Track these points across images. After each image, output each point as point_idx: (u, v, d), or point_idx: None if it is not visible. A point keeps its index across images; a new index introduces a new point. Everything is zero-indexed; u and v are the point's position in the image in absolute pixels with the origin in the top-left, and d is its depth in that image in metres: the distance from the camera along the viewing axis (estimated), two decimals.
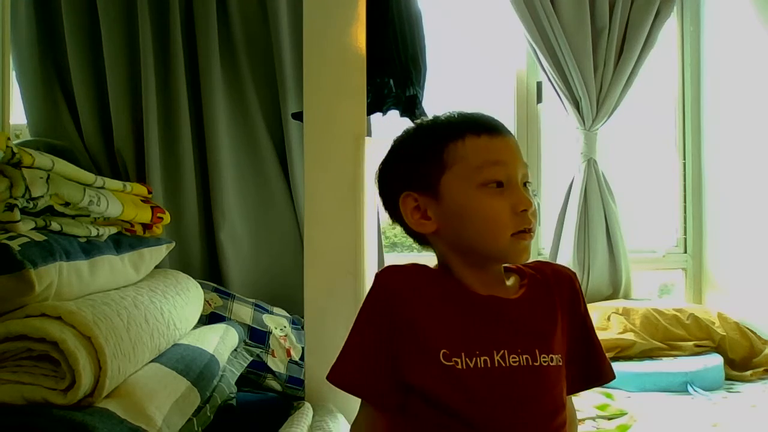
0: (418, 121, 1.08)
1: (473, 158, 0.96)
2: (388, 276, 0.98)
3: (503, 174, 0.95)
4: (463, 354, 0.92)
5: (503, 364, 0.92)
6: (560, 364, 0.97)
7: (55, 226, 1.25)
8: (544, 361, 0.94)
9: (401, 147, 1.05)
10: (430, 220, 0.98)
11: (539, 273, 1.03)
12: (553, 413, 0.94)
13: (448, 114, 1.03)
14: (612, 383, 2.25)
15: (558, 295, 1.01)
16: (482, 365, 0.92)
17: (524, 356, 0.93)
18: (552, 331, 0.98)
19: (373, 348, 0.94)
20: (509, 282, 1.01)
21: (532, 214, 0.95)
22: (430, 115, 1.06)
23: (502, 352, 0.93)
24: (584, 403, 2.05)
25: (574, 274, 1.07)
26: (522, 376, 0.92)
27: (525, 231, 0.95)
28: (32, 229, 1.17)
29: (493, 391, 0.91)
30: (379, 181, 1.06)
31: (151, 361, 1.36)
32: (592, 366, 1.06)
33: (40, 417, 1.00)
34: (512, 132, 1.02)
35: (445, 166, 0.97)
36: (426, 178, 0.98)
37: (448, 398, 0.91)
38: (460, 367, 0.91)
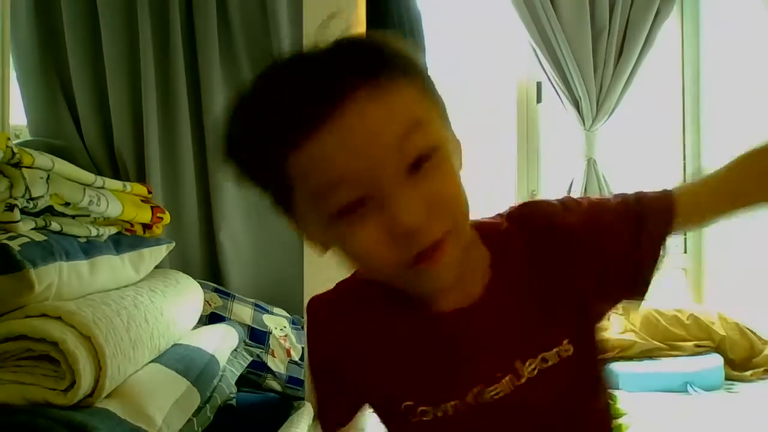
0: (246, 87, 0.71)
1: (308, 179, 0.63)
2: (316, 316, 0.76)
3: (357, 188, 0.61)
4: (429, 402, 0.70)
5: (482, 401, 0.70)
6: (567, 353, 0.71)
7: (55, 226, 1.25)
8: (534, 370, 0.70)
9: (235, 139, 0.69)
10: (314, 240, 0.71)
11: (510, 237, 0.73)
12: (575, 415, 0.73)
13: (266, 86, 0.68)
14: (612, 383, 2.25)
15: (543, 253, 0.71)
16: (455, 410, 0.70)
17: (505, 379, 0.70)
18: (541, 316, 0.71)
19: (331, 408, 0.79)
20: (472, 268, 0.70)
21: (426, 226, 0.61)
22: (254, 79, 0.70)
23: (476, 389, 0.70)
24: None
25: (547, 207, 0.74)
26: (511, 407, 0.70)
27: (420, 257, 0.62)
28: (32, 229, 1.17)
29: None
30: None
31: (151, 361, 1.36)
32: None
33: (41, 417, 1.00)
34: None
35: (286, 186, 0.65)
36: (276, 198, 0.68)
37: None
38: (428, 419, 0.71)
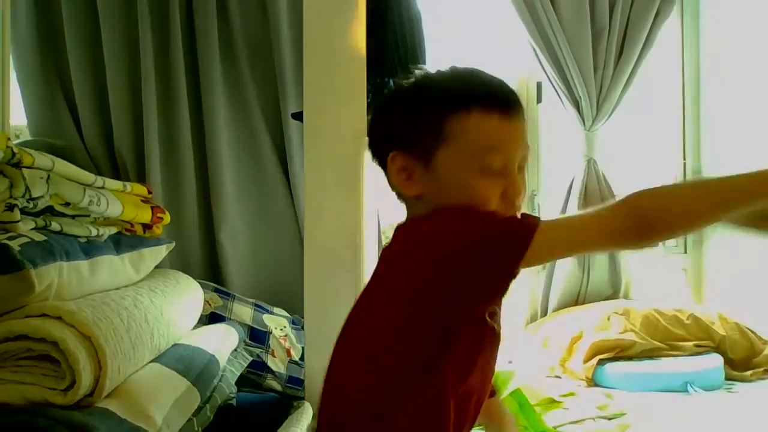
0: (423, 72, 0.99)
1: (476, 139, 0.90)
2: None
3: (504, 159, 0.91)
4: (495, 314, 0.93)
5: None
6: None
7: (55, 226, 1.25)
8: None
9: (400, 102, 0.98)
10: (415, 183, 0.94)
11: None
12: None
13: (456, 72, 0.96)
14: (612, 383, 2.26)
15: None
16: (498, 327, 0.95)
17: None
18: None
19: None
20: None
21: (520, 200, 0.93)
22: (435, 69, 0.98)
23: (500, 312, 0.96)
24: (584, 403, 2.05)
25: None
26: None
27: (509, 206, 0.92)
28: (32, 229, 1.17)
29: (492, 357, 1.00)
30: (371, 128, 1.01)
31: (151, 361, 1.36)
32: None
33: (41, 417, 1.00)
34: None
35: (443, 139, 0.91)
36: (420, 145, 0.92)
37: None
38: (492, 325, 0.93)
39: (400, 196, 0.98)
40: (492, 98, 0.92)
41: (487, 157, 0.90)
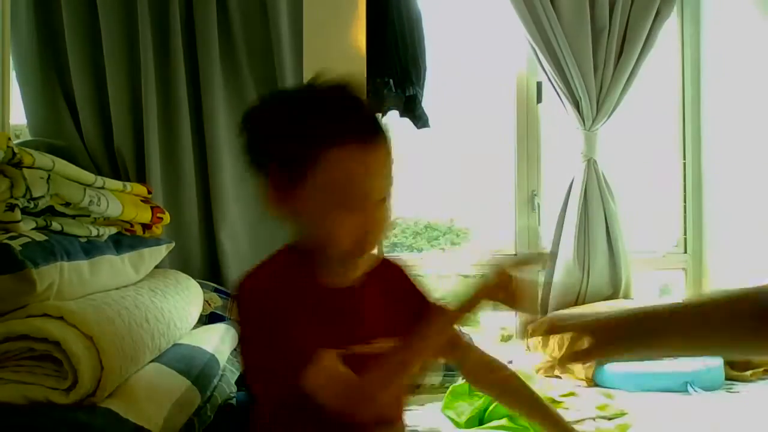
0: (298, 92, 1.12)
1: (338, 173, 0.96)
2: (262, 286, 1.02)
3: (362, 193, 0.97)
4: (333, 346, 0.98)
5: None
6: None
7: (55, 226, 1.25)
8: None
9: (282, 119, 1.02)
10: (284, 203, 1.01)
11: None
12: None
13: (321, 97, 1.01)
14: (612, 383, 2.25)
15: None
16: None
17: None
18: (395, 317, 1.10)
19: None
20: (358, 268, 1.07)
21: (378, 230, 1.01)
22: (308, 87, 1.05)
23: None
24: (584, 403, 2.05)
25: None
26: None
27: (363, 244, 1.01)
28: (33, 229, 1.17)
29: None
30: (251, 129, 1.08)
31: (152, 361, 1.36)
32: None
33: (43, 417, 1.00)
34: (385, 135, 1.01)
35: (311, 167, 0.96)
36: (293, 168, 0.98)
37: None
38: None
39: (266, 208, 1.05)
40: (356, 130, 0.97)
41: (346, 191, 0.96)
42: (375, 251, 1.09)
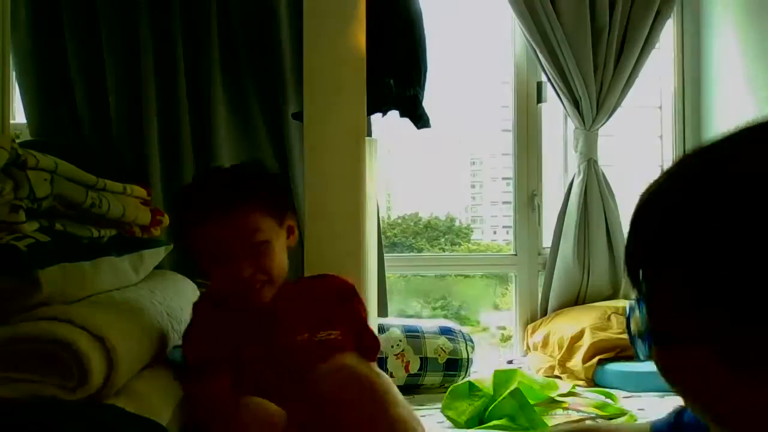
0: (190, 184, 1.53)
1: (194, 245, 1.35)
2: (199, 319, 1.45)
3: (211, 256, 1.34)
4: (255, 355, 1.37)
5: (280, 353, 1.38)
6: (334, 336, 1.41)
7: (58, 227, 1.25)
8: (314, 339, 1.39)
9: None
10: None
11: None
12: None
13: (189, 191, 1.44)
14: (612, 383, 2.26)
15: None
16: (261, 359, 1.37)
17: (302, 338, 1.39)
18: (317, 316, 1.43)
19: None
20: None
21: (251, 276, 1.33)
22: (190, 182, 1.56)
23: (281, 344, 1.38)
24: (584, 403, 2.05)
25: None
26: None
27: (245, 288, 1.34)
28: (37, 230, 1.18)
29: None
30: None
31: (153, 361, 1.36)
32: None
33: (51, 412, 1.00)
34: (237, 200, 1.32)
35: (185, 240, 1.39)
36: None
37: None
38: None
39: None
40: (191, 215, 1.35)
41: (203, 256, 1.36)
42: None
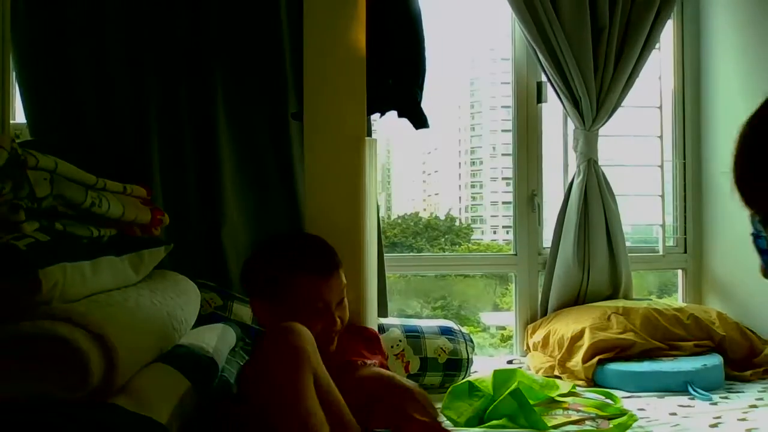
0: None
1: (305, 296, 1.52)
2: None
3: (319, 307, 1.52)
4: None
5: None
6: None
7: (58, 226, 1.25)
8: None
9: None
10: None
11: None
12: None
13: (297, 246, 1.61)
14: (612, 383, 2.25)
15: None
16: None
17: None
18: None
19: None
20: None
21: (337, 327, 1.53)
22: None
23: None
24: (584, 403, 2.05)
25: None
26: None
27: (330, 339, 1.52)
28: (37, 229, 1.18)
29: None
30: None
31: (153, 361, 1.36)
32: None
33: (51, 413, 1.00)
34: None
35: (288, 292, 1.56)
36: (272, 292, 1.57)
37: None
38: None
39: None
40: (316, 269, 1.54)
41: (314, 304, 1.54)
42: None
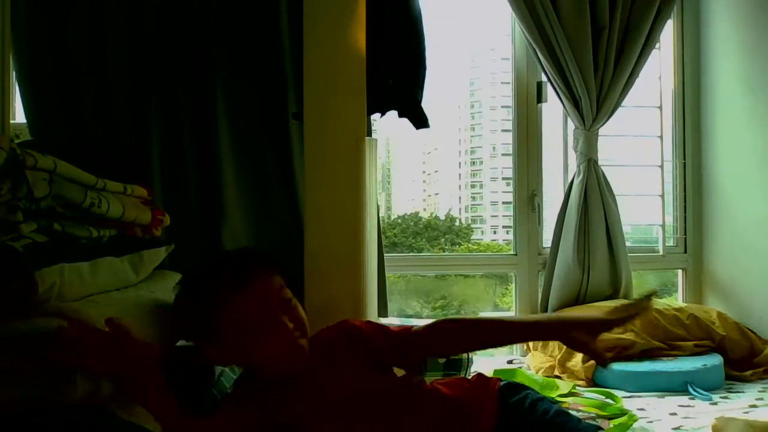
0: None
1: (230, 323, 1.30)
2: None
3: (252, 325, 1.30)
4: None
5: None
6: None
7: (57, 227, 1.25)
8: None
9: None
10: None
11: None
12: None
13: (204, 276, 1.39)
14: (612, 383, 2.26)
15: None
16: None
17: None
18: None
19: None
20: None
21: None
22: None
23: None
24: (584, 403, 2.05)
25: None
26: None
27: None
28: (35, 230, 1.17)
29: None
30: None
31: None
32: None
33: (46, 415, 1.00)
34: None
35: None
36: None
37: None
38: None
39: None
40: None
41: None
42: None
